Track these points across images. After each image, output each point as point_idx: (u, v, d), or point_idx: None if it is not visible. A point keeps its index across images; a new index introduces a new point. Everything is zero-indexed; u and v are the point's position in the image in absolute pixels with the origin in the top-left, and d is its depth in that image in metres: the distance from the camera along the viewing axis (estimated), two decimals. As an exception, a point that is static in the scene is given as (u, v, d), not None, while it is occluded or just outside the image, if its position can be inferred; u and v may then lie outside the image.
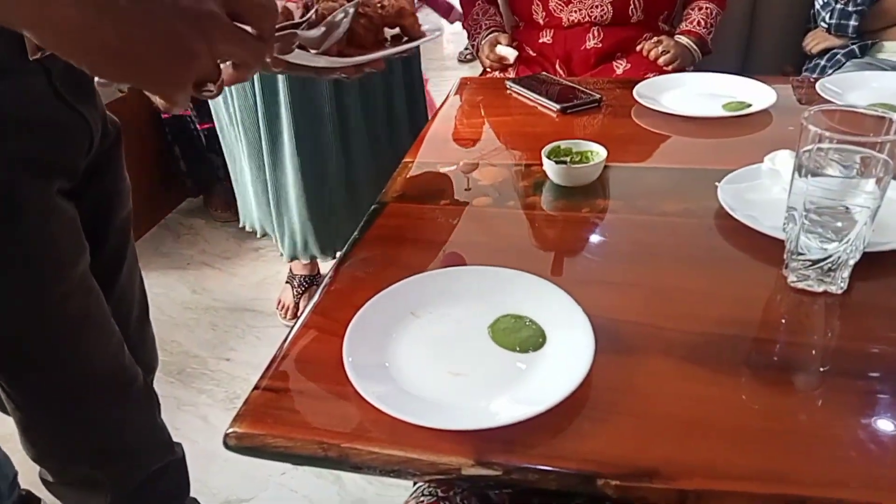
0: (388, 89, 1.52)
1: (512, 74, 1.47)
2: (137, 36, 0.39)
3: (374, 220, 0.79)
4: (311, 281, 1.77)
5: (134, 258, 0.94)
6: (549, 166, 0.84)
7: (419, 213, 0.82)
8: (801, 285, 0.61)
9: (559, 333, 0.57)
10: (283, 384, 0.55)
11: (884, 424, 0.48)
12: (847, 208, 0.56)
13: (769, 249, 0.66)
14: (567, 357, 0.53)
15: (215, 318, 1.83)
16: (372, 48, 0.72)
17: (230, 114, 1.52)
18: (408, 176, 0.91)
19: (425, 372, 0.54)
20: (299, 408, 0.53)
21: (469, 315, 0.60)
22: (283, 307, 1.78)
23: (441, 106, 1.17)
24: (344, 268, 0.70)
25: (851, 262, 0.59)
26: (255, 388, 0.54)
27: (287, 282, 1.80)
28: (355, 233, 0.76)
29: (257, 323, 1.79)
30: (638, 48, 1.47)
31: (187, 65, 0.42)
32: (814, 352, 0.57)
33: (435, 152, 0.99)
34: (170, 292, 1.95)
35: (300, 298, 1.75)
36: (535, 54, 1.54)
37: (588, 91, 1.12)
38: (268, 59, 0.60)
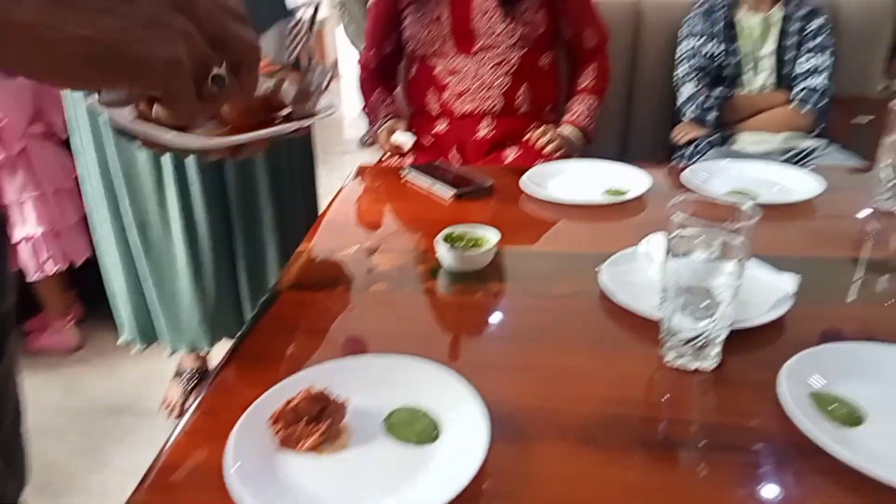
0: (275, 172, 1.51)
1: (409, 160, 1.52)
2: (110, 24, 0.37)
3: (267, 310, 0.77)
4: (201, 375, 1.67)
5: (14, 355, 0.84)
6: (442, 252, 0.86)
7: (314, 301, 0.81)
8: (677, 363, 0.65)
9: (455, 423, 0.56)
10: (162, 497, 0.51)
11: (756, 496, 0.51)
12: (712, 288, 0.61)
13: (648, 329, 0.70)
14: (462, 448, 0.53)
15: (90, 422, 1.67)
16: (248, 128, 0.63)
17: (101, 194, 1.44)
18: (303, 263, 0.90)
19: (317, 475, 0.52)
20: (179, 521, 0.49)
21: (365, 408, 0.59)
22: (168, 405, 1.66)
23: (339, 192, 1.18)
24: (233, 361, 0.68)
25: (720, 339, 0.64)
26: (129, 502, 0.50)
27: (174, 377, 1.69)
28: (246, 323, 0.74)
29: (139, 426, 1.65)
30: (526, 137, 1.56)
31: (174, 41, 0.40)
32: (693, 428, 0.60)
33: (332, 239, 0.99)
34: (38, 395, 1.75)
35: (189, 395, 1.65)
36: (430, 142, 1.60)
37: (481, 178, 1.17)
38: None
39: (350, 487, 0.51)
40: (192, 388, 1.65)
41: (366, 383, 0.61)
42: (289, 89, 0.65)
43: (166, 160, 1.35)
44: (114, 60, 0.39)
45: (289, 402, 0.54)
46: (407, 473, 0.52)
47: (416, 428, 0.56)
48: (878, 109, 1.81)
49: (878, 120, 1.79)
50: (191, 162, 1.35)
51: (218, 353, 1.66)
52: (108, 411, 1.71)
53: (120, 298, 1.53)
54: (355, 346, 0.71)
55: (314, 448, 0.54)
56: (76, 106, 1.37)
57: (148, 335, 1.54)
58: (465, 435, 0.54)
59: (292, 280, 0.85)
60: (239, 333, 0.73)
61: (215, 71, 0.44)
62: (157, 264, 1.43)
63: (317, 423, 0.54)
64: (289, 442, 0.54)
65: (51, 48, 0.36)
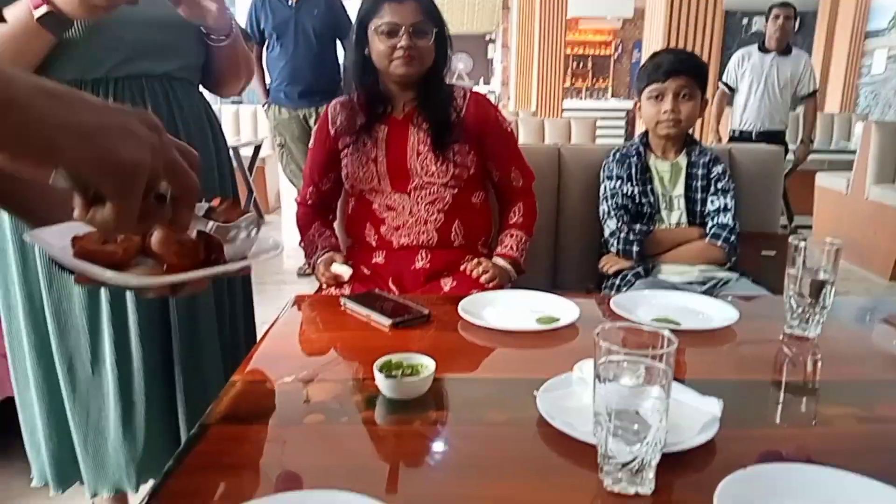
0: (218, 305, 1.49)
1: (347, 291, 1.53)
2: (91, 120, 0.46)
3: (194, 447, 0.73)
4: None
5: None
6: (380, 380, 0.86)
7: (246, 435, 0.78)
8: (615, 488, 0.65)
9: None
10: None
11: None
12: (640, 412, 0.63)
13: (586, 454, 0.70)
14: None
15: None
16: (187, 269, 0.64)
17: (25, 328, 1.37)
18: (235, 394, 0.87)
19: None
20: None
21: (296, 548, 0.55)
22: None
23: (274, 322, 1.17)
24: (155, 503, 0.63)
25: (654, 463, 0.65)
26: None
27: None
28: (170, 461, 0.70)
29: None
30: (462, 268, 1.62)
31: (143, 148, 0.48)
32: (635, 555, 0.59)
33: (267, 369, 0.97)
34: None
35: None
36: (368, 272, 1.63)
37: (418, 307, 1.19)
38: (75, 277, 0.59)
39: None
40: None
41: (298, 520, 0.58)
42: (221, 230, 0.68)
43: (102, 294, 1.31)
44: (88, 147, 0.46)
45: None
46: None
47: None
48: (781, 245, 1.99)
49: (781, 254, 1.96)
50: (129, 296, 1.32)
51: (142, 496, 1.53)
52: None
53: (37, 437, 1.41)
54: (289, 483, 0.68)
55: None
56: (2, 239, 1.34)
57: (66, 477, 1.41)
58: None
59: (223, 412, 0.82)
60: (163, 472, 0.68)
61: (161, 189, 0.49)
62: (83, 403, 1.35)
63: None
64: None
65: (40, 129, 0.44)
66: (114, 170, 0.47)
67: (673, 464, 0.68)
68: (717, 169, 1.89)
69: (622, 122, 10.38)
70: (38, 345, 1.34)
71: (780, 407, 0.90)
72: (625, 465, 0.65)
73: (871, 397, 0.91)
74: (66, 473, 1.41)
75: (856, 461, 0.68)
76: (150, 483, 1.39)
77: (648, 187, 1.88)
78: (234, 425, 0.80)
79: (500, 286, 1.57)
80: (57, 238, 0.62)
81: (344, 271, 1.53)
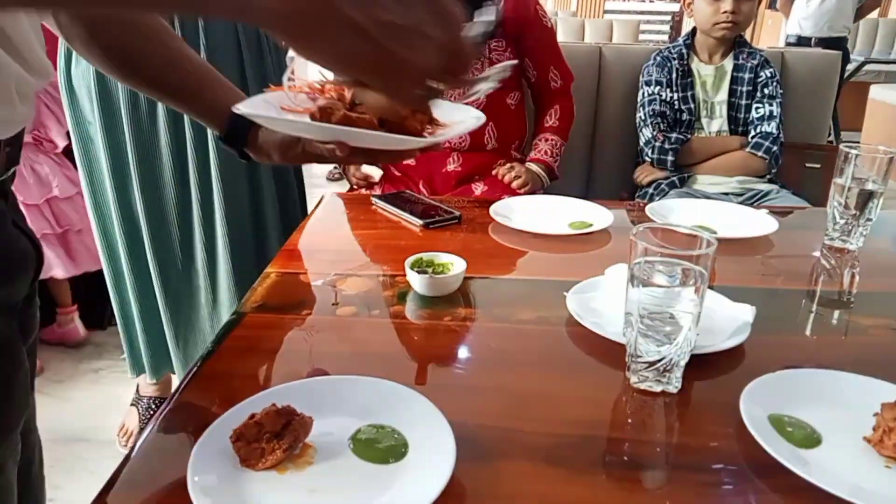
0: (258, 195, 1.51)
1: (378, 192, 1.53)
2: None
3: (231, 332, 0.76)
4: (160, 403, 1.62)
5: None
6: (412, 276, 0.86)
7: (280, 324, 0.80)
8: (642, 386, 0.66)
9: (421, 442, 0.56)
10: (116, 514, 0.49)
11: (720, 514, 0.51)
12: (673, 314, 0.63)
13: (613, 353, 0.71)
14: (429, 467, 0.52)
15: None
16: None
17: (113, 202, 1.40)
18: (269, 285, 0.89)
19: (280, 493, 0.51)
20: (134, 541, 0.47)
21: (329, 428, 0.58)
22: (125, 433, 1.60)
23: (308, 218, 1.18)
24: (193, 382, 0.66)
25: (682, 363, 0.65)
26: (82, 520, 0.48)
27: (132, 404, 1.64)
28: (208, 344, 0.73)
29: (91, 454, 1.59)
30: (494, 172, 1.59)
31: (429, 53, 0.45)
32: (657, 449, 0.60)
33: (299, 263, 0.98)
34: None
35: (147, 423, 1.59)
36: (399, 174, 1.62)
37: (449, 209, 1.18)
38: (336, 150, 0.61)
39: (314, 505, 0.50)
40: (151, 417, 1.59)
41: (332, 403, 0.60)
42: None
43: (193, 197, 1.34)
44: (380, 51, 0.44)
45: (252, 417, 0.53)
46: (372, 492, 0.51)
47: (382, 446, 0.55)
48: (826, 157, 1.91)
49: (826, 167, 1.88)
50: (217, 200, 1.35)
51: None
52: (60, 440, 1.64)
53: (133, 332, 1.51)
54: (321, 369, 0.70)
55: (276, 466, 0.52)
56: (94, 145, 1.36)
57: (160, 367, 1.51)
58: (432, 455, 0.54)
59: (258, 301, 0.84)
60: (201, 354, 0.71)
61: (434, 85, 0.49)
62: (175, 301, 1.42)
63: (279, 439, 0.53)
64: (250, 459, 0.52)
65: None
66: (394, 74, 0.46)
67: (701, 365, 0.69)
68: (766, 73, 1.79)
69: (667, 27, 9.83)
70: (131, 247, 1.39)
71: (812, 316, 0.89)
72: (652, 364, 0.65)
73: (908, 310, 0.89)
74: (160, 364, 1.50)
75: (883, 369, 0.68)
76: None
77: (689, 93, 1.80)
78: (268, 314, 0.82)
79: (532, 192, 1.54)
80: (263, 109, 0.62)
81: (374, 171, 1.52)
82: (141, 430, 1.59)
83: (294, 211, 1.52)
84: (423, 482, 0.50)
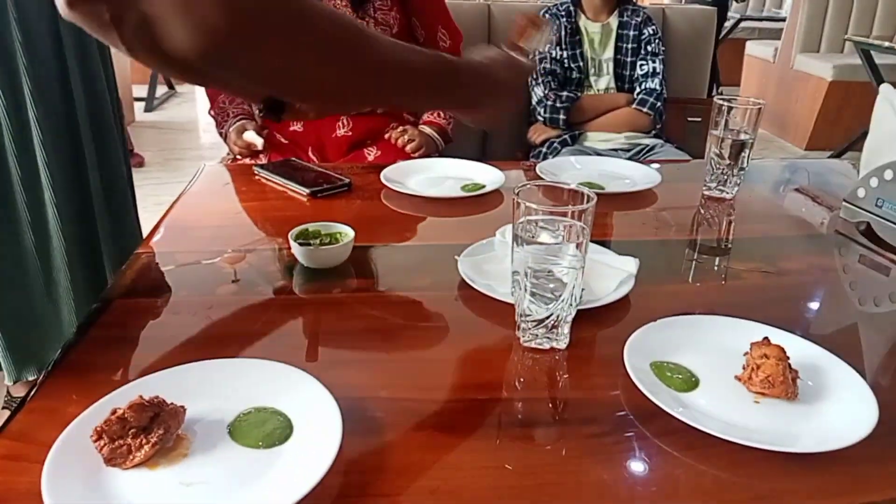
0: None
1: (263, 161, 1.45)
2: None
3: (96, 320, 0.69)
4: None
5: None
6: (296, 248, 0.82)
7: (152, 309, 0.74)
8: (532, 344, 0.66)
9: (307, 422, 0.53)
10: (-46, 536, 0.44)
11: (606, 464, 0.53)
12: (556, 271, 0.63)
13: (505, 314, 0.71)
14: (314, 445, 0.50)
15: None
16: None
17: None
18: (140, 267, 0.82)
19: (150, 490, 0.47)
20: (-21, 563, 0.42)
21: (207, 414, 0.54)
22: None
23: (183, 192, 1.10)
24: (52, 379, 0.60)
25: (569, 319, 0.66)
26: None
27: (4, 406, 1.50)
28: (70, 336, 0.66)
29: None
30: (386, 136, 1.55)
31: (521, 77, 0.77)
32: (549, 405, 0.61)
33: (173, 241, 0.92)
34: None
35: None
36: (287, 141, 1.54)
37: (338, 176, 1.14)
38: None
39: (189, 499, 0.46)
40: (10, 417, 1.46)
41: (209, 389, 0.56)
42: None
43: (14, 176, 1.18)
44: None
45: (114, 412, 0.49)
46: (252, 478, 0.48)
47: (263, 430, 0.52)
48: (706, 111, 2.01)
49: (706, 121, 1.98)
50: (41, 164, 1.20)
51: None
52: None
53: None
54: (199, 354, 0.66)
55: (145, 462, 0.48)
56: None
57: None
58: (317, 434, 0.51)
59: (127, 286, 0.77)
60: (62, 346, 0.65)
61: None
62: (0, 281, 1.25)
63: (147, 433, 0.49)
64: (115, 458, 0.48)
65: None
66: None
67: (588, 319, 0.70)
68: (648, 30, 1.84)
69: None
70: None
71: (693, 264, 0.93)
72: (540, 322, 0.65)
73: (777, 253, 0.95)
74: None
75: (759, 311, 0.72)
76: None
77: (578, 51, 1.83)
78: (139, 298, 0.76)
79: (426, 156, 1.52)
80: None
81: (256, 140, 1.44)
82: None
83: (118, 169, 1.38)
84: (308, 463, 0.48)
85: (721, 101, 1.11)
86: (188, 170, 3.41)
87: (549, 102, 1.80)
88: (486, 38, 1.94)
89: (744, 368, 0.60)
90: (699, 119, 2.00)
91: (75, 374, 0.61)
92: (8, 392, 1.51)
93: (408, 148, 1.51)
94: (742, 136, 1.11)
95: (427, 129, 1.60)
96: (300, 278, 0.82)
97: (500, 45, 0.77)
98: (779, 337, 0.63)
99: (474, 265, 0.81)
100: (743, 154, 1.12)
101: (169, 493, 0.47)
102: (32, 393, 0.58)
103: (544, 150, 1.83)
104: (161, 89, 4.92)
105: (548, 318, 0.64)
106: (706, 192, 1.16)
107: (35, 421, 0.55)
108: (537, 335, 0.66)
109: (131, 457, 0.48)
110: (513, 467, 0.52)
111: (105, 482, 0.47)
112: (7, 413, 1.45)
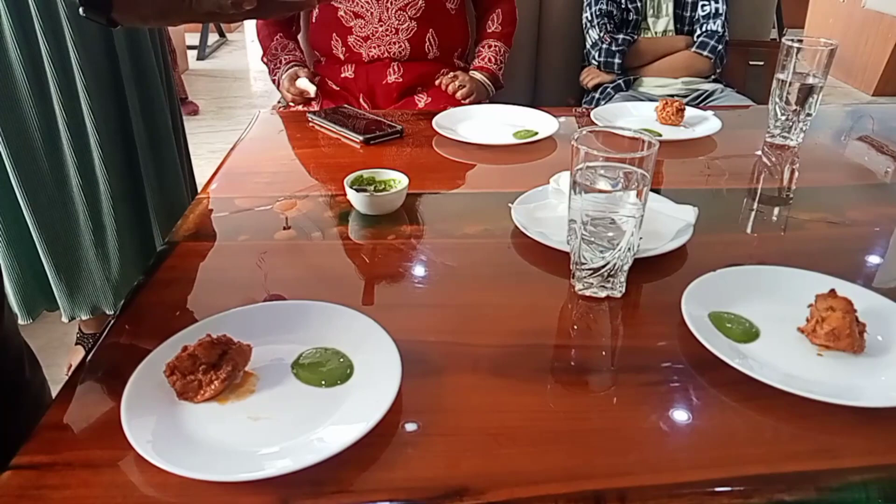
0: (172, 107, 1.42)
1: (316, 108, 1.46)
2: None
3: (163, 262, 0.72)
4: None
5: None
6: (352, 195, 0.83)
7: (215, 252, 0.76)
8: (586, 292, 0.66)
9: (366, 363, 0.55)
10: (46, 458, 0.47)
11: (661, 413, 0.53)
12: (615, 219, 0.62)
13: (559, 262, 0.71)
14: (374, 386, 0.52)
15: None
16: None
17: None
18: (201, 212, 0.85)
19: (221, 422, 0.50)
20: (70, 483, 0.45)
21: (271, 354, 0.56)
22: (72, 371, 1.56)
23: (239, 140, 1.11)
24: (125, 317, 0.63)
25: (626, 268, 0.65)
26: (7, 468, 0.46)
27: (77, 342, 1.59)
28: (140, 277, 0.69)
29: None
30: (437, 82, 1.53)
31: None
32: (603, 353, 0.61)
33: (232, 187, 0.93)
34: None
35: None
36: (338, 88, 1.54)
37: (391, 123, 1.14)
38: None
39: (258, 432, 0.49)
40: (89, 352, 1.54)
41: (273, 329, 0.58)
42: None
43: (58, 116, 1.22)
44: None
45: (185, 350, 0.51)
46: (317, 415, 0.50)
47: (326, 369, 0.54)
48: (770, 54, 1.90)
49: (770, 64, 1.88)
50: (87, 118, 1.24)
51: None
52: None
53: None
54: (260, 296, 0.68)
55: (216, 397, 0.51)
56: None
57: (34, 305, 1.41)
58: (377, 374, 0.53)
59: (191, 230, 0.80)
60: (133, 287, 0.68)
61: None
62: (51, 231, 1.31)
63: (216, 370, 0.51)
64: (187, 392, 0.51)
65: None
66: None
67: (645, 268, 0.69)
68: (712, -32, 1.74)
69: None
70: None
71: (753, 213, 0.90)
72: (596, 270, 0.65)
73: (842, 203, 0.91)
74: (33, 301, 1.41)
75: (822, 262, 0.70)
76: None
77: (637, -9, 1.74)
78: (202, 241, 0.78)
79: (477, 102, 1.50)
80: None
81: (309, 86, 1.44)
82: None
83: (161, 118, 1.41)
84: (369, 402, 0.50)
85: (790, 43, 1.05)
86: (240, 118, 3.46)
87: (605, 46, 1.73)
88: (538, -22, 1.87)
89: (807, 320, 0.59)
90: (762, 63, 1.90)
91: (145, 312, 0.64)
92: (80, 329, 1.60)
93: (458, 94, 1.49)
94: (810, 80, 1.06)
95: (478, 75, 1.57)
96: (355, 224, 0.83)
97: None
98: (845, 289, 0.61)
99: (528, 213, 0.80)
100: (810, 99, 1.06)
101: (239, 427, 0.49)
102: (107, 330, 0.61)
103: (597, 95, 1.78)
104: (212, 37, 4.95)
105: (604, 266, 0.64)
106: (769, 139, 1.11)
107: (110, 356, 0.58)
108: (592, 283, 0.66)
109: (202, 391, 0.51)
110: (567, 413, 0.53)
111: (178, 415, 0.50)
112: (80, 348, 1.55)
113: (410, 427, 0.50)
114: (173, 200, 1.42)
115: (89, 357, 0.57)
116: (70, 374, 0.56)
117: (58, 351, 1.66)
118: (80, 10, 0.61)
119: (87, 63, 1.21)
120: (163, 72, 1.39)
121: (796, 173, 1.04)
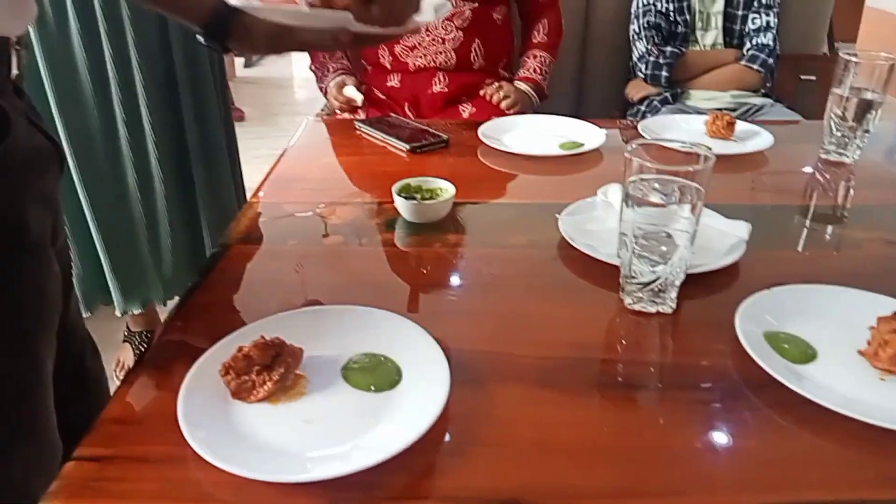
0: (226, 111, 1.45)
1: (362, 116, 1.48)
2: None
3: (217, 264, 0.74)
4: (152, 336, 1.62)
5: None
6: (399, 203, 0.84)
7: (266, 255, 0.78)
8: (636, 307, 0.65)
9: (415, 369, 0.55)
10: (106, 451, 0.48)
11: (713, 432, 0.52)
12: (669, 233, 0.61)
13: (607, 275, 0.70)
14: (423, 393, 0.52)
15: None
16: None
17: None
18: (253, 216, 0.86)
19: (273, 423, 0.50)
20: (128, 476, 0.47)
21: (321, 358, 0.57)
22: (121, 367, 1.61)
23: (288, 146, 1.14)
24: (181, 316, 0.65)
25: (677, 283, 0.64)
26: (72, 459, 0.47)
27: (125, 340, 1.64)
28: (196, 277, 0.71)
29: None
30: (482, 93, 1.54)
31: None
32: (651, 369, 0.60)
33: (281, 192, 0.95)
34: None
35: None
36: (384, 97, 1.56)
37: (436, 132, 1.14)
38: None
39: (309, 435, 0.49)
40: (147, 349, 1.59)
41: (322, 333, 0.59)
42: None
43: (119, 120, 1.27)
44: None
45: (240, 350, 0.52)
46: (367, 420, 0.51)
47: (375, 374, 0.55)
48: (822, 69, 1.86)
49: (821, 79, 1.83)
50: (146, 125, 1.29)
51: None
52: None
53: None
54: (314, 300, 0.69)
55: (268, 397, 0.52)
56: None
57: (93, 300, 1.46)
58: (426, 381, 0.53)
59: (242, 233, 0.82)
60: (188, 287, 0.69)
61: None
62: (110, 229, 1.36)
63: (269, 371, 0.52)
64: (241, 392, 0.52)
65: None
66: None
67: (696, 284, 0.68)
68: (764, -20, 1.71)
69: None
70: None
71: (806, 231, 0.88)
72: (647, 285, 0.64)
73: (902, 223, 0.88)
74: (92, 297, 1.46)
75: (879, 282, 0.67)
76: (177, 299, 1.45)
77: (685, 3, 1.72)
78: (253, 244, 0.80)
79: (521, 112, 1.50)
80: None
81: (356, 95, 1.46)
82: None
83: (214, 123, 1.44)
84: (419, 409, 0.50)
85: (847, 57, 1.03)
86: (284, 125, 3.52)
87: (652, 59, 1.71)
88: None
89: (869, 343, 0.57)
90: (814, 77, 1.86)
91: (199, 312, 0.66)
92: (127, 327, 1.64)
93: (503, 104, 1.49)
94: (868, 96, 1.03)
95: (522, 86, 1.57)
96: (401, 231, 0.84)
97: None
98: (907, 311, 0.59)
99: (575, 224, 0.80)
100: (868, 115, 1.04)
101: (290, 428, 0.50)
102: (163, 329, 0.63)
103: (643, 108, 1.76)
104: (257, 45, 5.06)
105: (655, 281, 0.63)
106: (823, 156, 1.08)
107: (165, 354, 0.60)
108: (642, 298, 0.65)
109: (255, 392, 0.52)
110: (609, 428, 0.52)
111: (232, 414, 0.51)
112: (128, 346, 1.59)
113: (458, 435, 0.50)
114: (223, 202, 1.45)
115: (146, 354, 0.59)
116: (126, 370, 0.57)
117: (107, 348, 1.71)
118: (200, 38, 0.67)
119: (147, 66, 1.25)
120: (217, 79, 1.43)
121: (852, 191, 1.01)
